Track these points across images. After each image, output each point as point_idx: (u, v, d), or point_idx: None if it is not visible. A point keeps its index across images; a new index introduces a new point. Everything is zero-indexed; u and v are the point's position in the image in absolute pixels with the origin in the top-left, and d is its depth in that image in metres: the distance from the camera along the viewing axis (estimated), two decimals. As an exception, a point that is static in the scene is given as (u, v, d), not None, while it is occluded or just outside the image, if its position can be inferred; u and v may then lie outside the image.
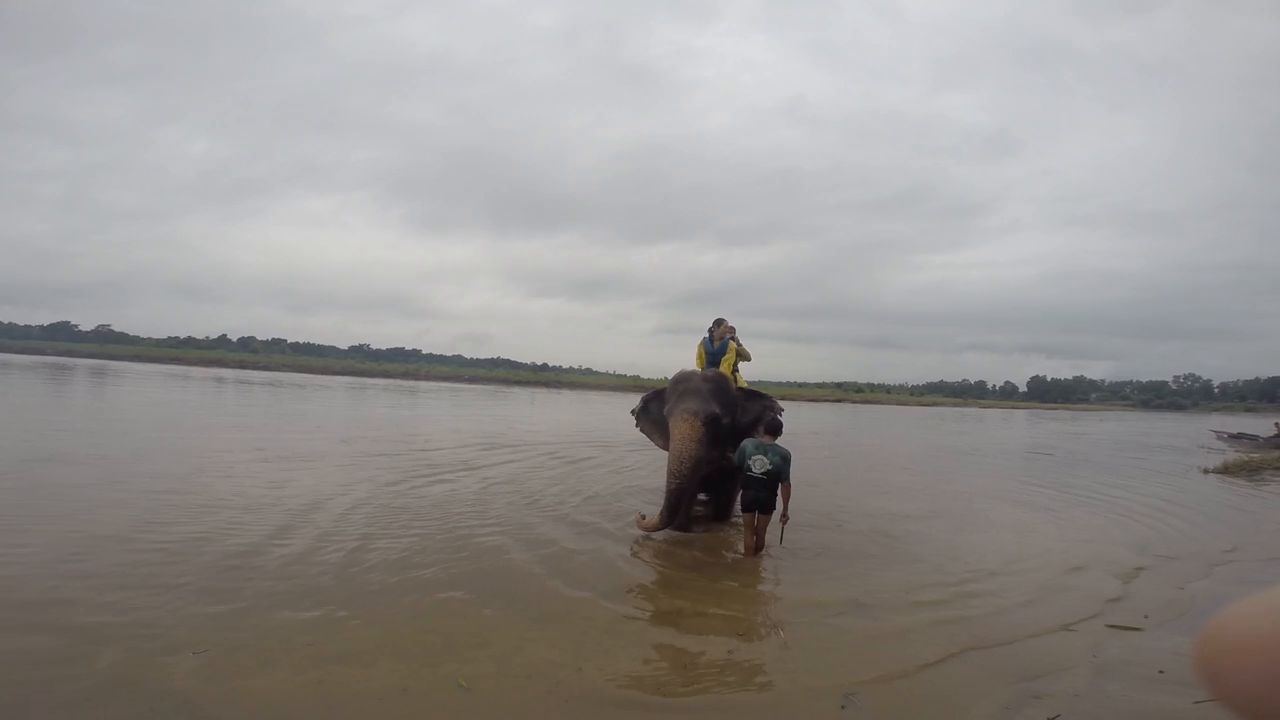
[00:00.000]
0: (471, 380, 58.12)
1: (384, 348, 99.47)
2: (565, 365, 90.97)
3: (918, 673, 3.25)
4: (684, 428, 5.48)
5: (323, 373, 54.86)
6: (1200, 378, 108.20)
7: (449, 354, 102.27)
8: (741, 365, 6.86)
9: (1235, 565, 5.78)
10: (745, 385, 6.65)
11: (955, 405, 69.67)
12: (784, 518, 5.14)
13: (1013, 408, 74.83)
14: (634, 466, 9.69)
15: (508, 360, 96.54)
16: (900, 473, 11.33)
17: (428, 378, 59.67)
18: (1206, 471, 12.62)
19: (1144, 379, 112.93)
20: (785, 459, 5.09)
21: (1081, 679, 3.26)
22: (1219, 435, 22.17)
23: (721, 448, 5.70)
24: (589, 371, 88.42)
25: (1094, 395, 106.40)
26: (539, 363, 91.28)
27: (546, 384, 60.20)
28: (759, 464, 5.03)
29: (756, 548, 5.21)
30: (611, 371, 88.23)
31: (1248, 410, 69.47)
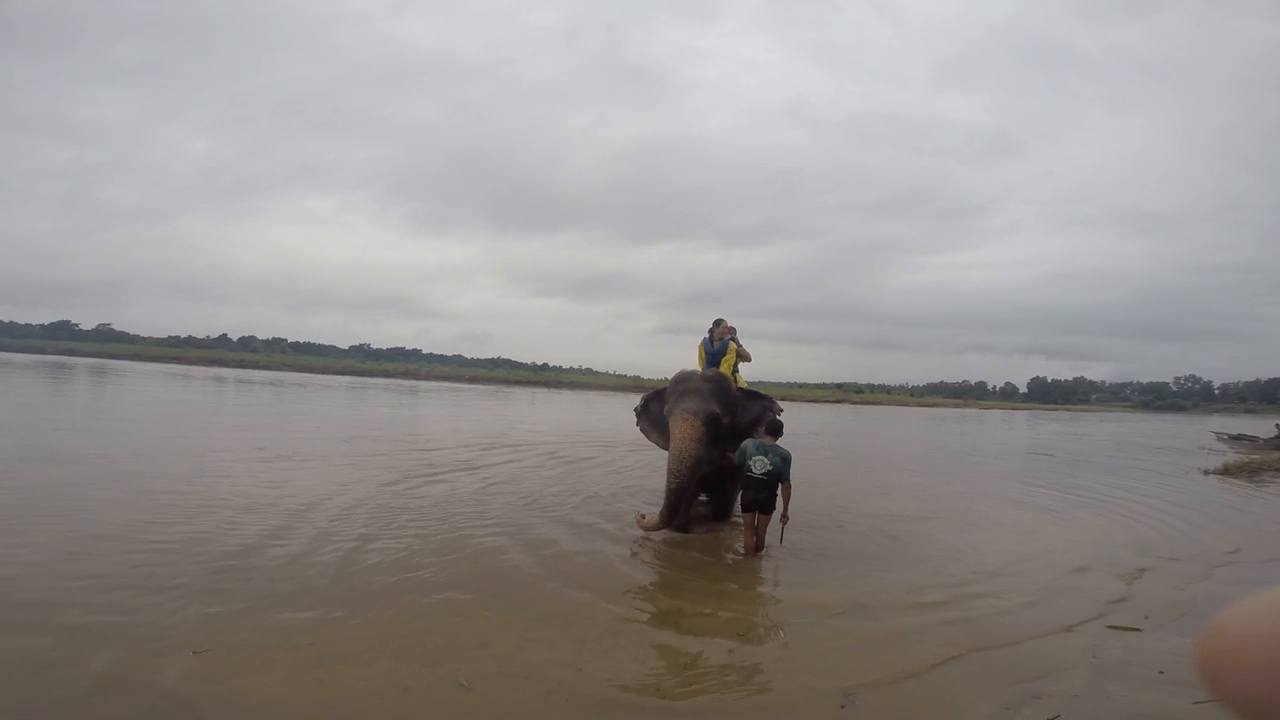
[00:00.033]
0: (471, 380, 58.13)
1: (384, 347, 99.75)
2: (565, 365, 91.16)
3: (917, 673, 3.25)
4: (684, 427, 5.48)
5: (323, 372, 54.87)
6: (1201, 379, 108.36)
7: (449, 354, 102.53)
8: (741, 366, 6.86)
9: (1238, 567, 5.78)
10: (745, 386, 6.65)
11: (955, 406, 69.67)
12: (784, 518, 5.14)
13: (1013, 409, 74.82)
14: (634, 466, 9.69)
15: (508, 360, 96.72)
16: (901, 473, 11.32)
17: (428, 377, 59.69)
18: (1207, 473, 12.61)
19: (1144, 380, 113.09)
20: (786, 460, 5.08)
21: (1081, 679, 3.26)
22: (1219, 436, 22.16)
23: (721, 448, 5.70)
24: (589, 371, 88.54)
25: (1094, 396, 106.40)
26: (539, 363, 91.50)
27: (546, 384, 60.21)
28: (759, 465, 5.03)
29: (756, 548, 5.20)
30: (611, 371, 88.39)
31: (1248, 412, 69.47)
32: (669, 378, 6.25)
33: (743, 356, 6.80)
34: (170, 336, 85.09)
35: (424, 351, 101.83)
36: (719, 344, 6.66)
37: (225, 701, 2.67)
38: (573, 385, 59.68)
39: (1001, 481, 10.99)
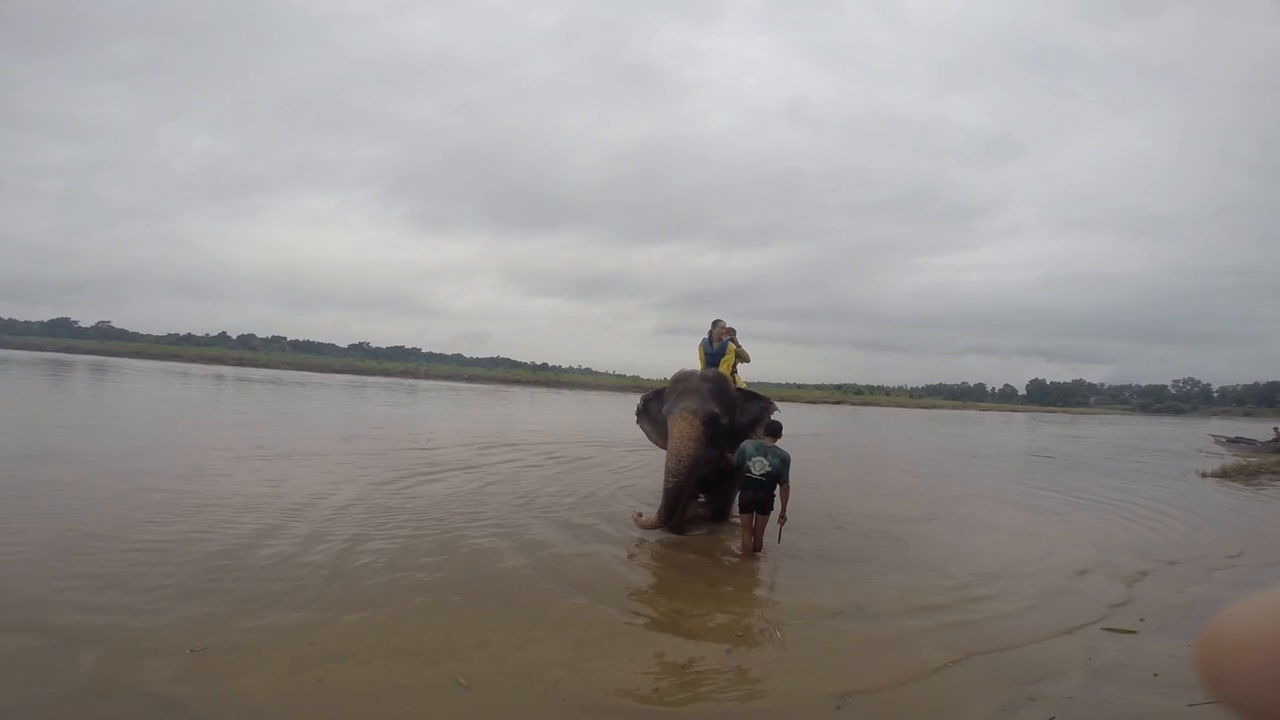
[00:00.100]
0: (471, 379, 58.14)
1: (384, 346, 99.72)
2: (565, 365, 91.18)
3: (914, 676, 3.25)
4: (683, 426, 5.49)
5: (322, 371, 54.85)
6: (1199, 382, 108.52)
7: (448, 353, 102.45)
8: (740, 366, 6.87)
9: (1238, 570, 5.79)
10: (744, 386, 6.66)
11: (954, 408, 69.72)
12: (782, 519, 5.14)
13: (1012, 410, 74.93)
14: (632, 466, 9.70)
15: (507, 359, 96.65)
16: (900, 475, 11.34)
17: (427, 376, 59.70)
18: (1205, 476, 12.63)
19: (1143, 383, 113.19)
20: (785, 461, 5.09)
21: (1077, 682, 3.27)
22: (1217, 439, 22.18)
23: (720, 448, 5.71)
24: (588, 371, 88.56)
25: (1093, 399, 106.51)
26: (538, 362, 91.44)
27: (546, 384, 60.21)
28: (758, 465, 5.04)
29: (754, 548, 5.21)
30: (611, 371, 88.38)
31: (1246, 415, 69.57)
32: (668, 378, 6.27)
33: (741, 357, 6.81)
34: (169, 334, 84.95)
35: (423, 350, 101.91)
36: (718, 344, 6.67)
37: (225, 700, 2.67)
38: (572, 385, 59.67)
39: (1001, 483, 11.01)
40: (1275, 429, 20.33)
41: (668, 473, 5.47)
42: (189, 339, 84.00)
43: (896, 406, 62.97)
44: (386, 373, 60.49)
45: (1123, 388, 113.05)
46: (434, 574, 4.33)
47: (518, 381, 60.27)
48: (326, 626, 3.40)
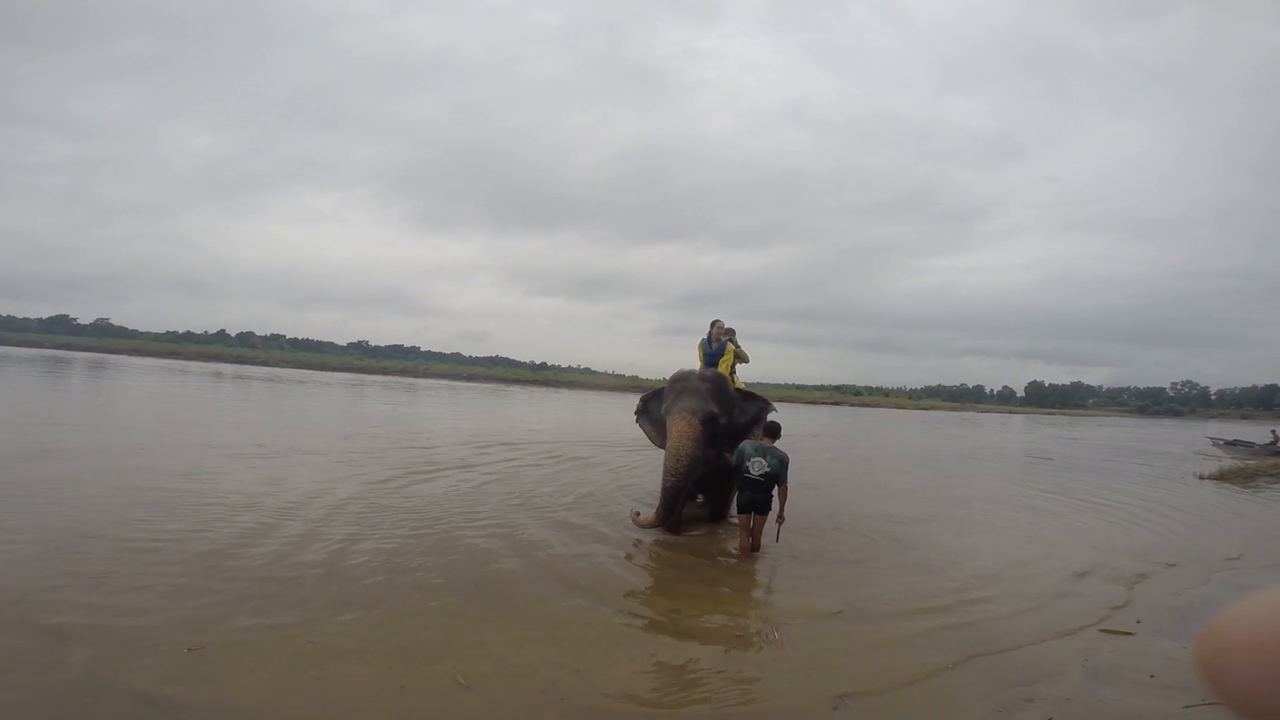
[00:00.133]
0: (470, 379, 58.11)
1: (383, 345, 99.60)
2: (564, 365, 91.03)
3: (912, 677, 3.26)
4: (681, 426, 5.49)
5: (321, 369, 54.78)
6: (1198, 385, 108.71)
7: (447, 352, 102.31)
8: (739, 367, 6.88)
9: (1239, 572, 5.80)
10: (742, 386, 6.67)
11: (953, 409, 69.77)
12: (780, 519, 5.15)
13: (1010, 412, 74.97)
14: (631, 466, 9.70)
15: (506, 359, 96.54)
16: (899, 476, 11.35)
17: (426, 375, 59.66)
18: (1202, 478, 12.65)
19: (1141, 385, 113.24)
20: (783, 462, 5.10)
21: (1074, 683, 3.28)
22: (1215, 442, 22.21)
23: (719, 448, 5.72)
24: (588, 371, 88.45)
25: (1091, 401, 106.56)
26: (538, 362, 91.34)
27: (545, 383, 60.19)
28: (757, 466, 5.04)
29: (752, 549, 5.22)
30: (610, 371, 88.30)
31: (1244, 417, 69.64)
32: (667, 378, 6.27)
33: (740, 357, 6.82)
34: (168, 332, 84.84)
35: (422, 349, 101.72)
36: (716, 345, 6.68)
37: (221, 700, 2.67)
38: (571, 385, 59.66)
39: (1000, 485, 11.03)
40: (1273, 432, 20.40)
41: (666, 472, 5.47)
42: (188, 336, 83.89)
43: (895, 408, 63.01)
44: (385, 371, 60.46)
45: (1121, 390, 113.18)
46: (432, 574, 4.33)
47: (517, 381, 60.25)
48: (324, 625, 3.40)
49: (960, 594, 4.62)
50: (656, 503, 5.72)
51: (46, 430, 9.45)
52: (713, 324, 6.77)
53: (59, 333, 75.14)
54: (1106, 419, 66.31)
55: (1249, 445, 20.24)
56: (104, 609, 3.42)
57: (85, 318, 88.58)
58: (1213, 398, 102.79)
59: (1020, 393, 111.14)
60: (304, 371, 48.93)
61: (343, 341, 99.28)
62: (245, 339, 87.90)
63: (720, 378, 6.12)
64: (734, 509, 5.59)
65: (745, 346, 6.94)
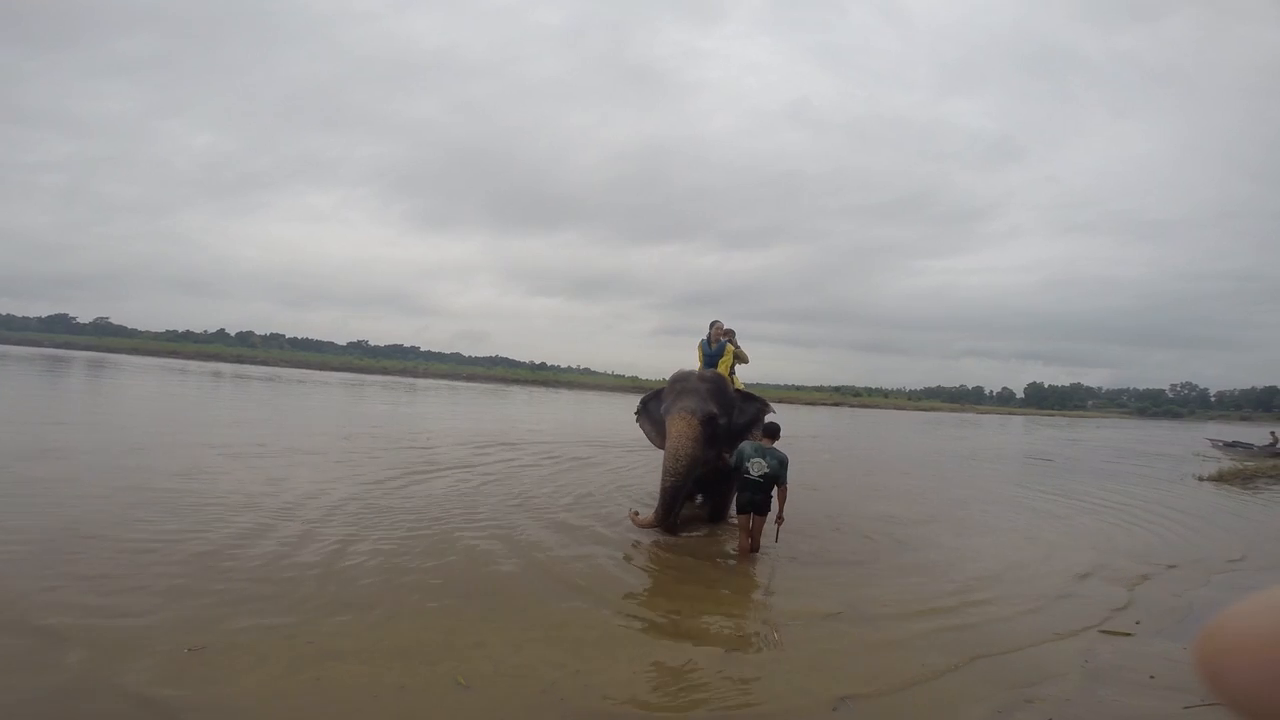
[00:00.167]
0: (470, 379, 58.08)
1: (382, 344, 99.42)
2: (563, 365, 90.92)
3: (911, 679, 3.26)
4: (680, 425, 5.49)
5: (320, 368, 54.76)
6: (1197, 386, 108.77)
7: (447, 352, 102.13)
8: (739, 367, 6.88)
9: (1240, 573, 5.81)
10: (742, 387, 6.68)
11: (952, 410, 69.76)
12: (779, 519, 5.16)
13: (1009, 414, 74.98)
14: (630, 467, 9.70)
15: (506, 359, 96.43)
16: (899, 477, 11.36)
17: (425, 375, 59.65)
18: (1201, 479, 12.67)
19: (1141, 387, 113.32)
20: (783, 463, 5.10)
21: (1074, 684, 3.28)
22: (1214, 443, 22.24)
23: (718, 448, 5.72)
24: (587, 371, 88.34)
25: (1091, 402, 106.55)
26: (537, 362, 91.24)
27: (545, 383, 60.18)
28: (757, 467, 5.04)
29: (751, 549, 5.22)
30: (610, 372, 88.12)
31: (1243, 419, 69.69)
32: (667, 378, 6.27)
33: (740, 358, 6.83)
34: (168, 331, 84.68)
35: (422, 349, 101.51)
36: (716, 345, 6.69)
37: (224, 698, 2.67)
38: (571, 385, 59.65)
39: (1000, 485, 11.04)
40: (1272, 433, 20.43)
41: (665, 472, 5.47)
42: (187, 336, 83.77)
43: (895, 409, 63.02)
44: (385, 371, 60.45)
45: (1120, 391, 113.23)
46: (433, 574, 4.33)
47: (516, 381, 60.24)
48: (324, 626, 3.40)
49: (961, 596, 4.62)
50: (656, 503, 5.72)
51: (46, 430, 9.44)
52: (712, 324, 6.78)
53: (58, 331, 75.05)
54: (1106, 420, 66.34)
55: (1248, 447, 20.27)
56: (101, 609, 3.40)
57: (85, 317, 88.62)
58: (1212, 399, 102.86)
59: (1020, 394, 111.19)
60: (303, 371, 48.91)
61: (342, 341, 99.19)
62: (245, 338, 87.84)
63: (720, 378, 6.13)
64: (733, 510, 5.59)
65: (745, 347, 6.95)
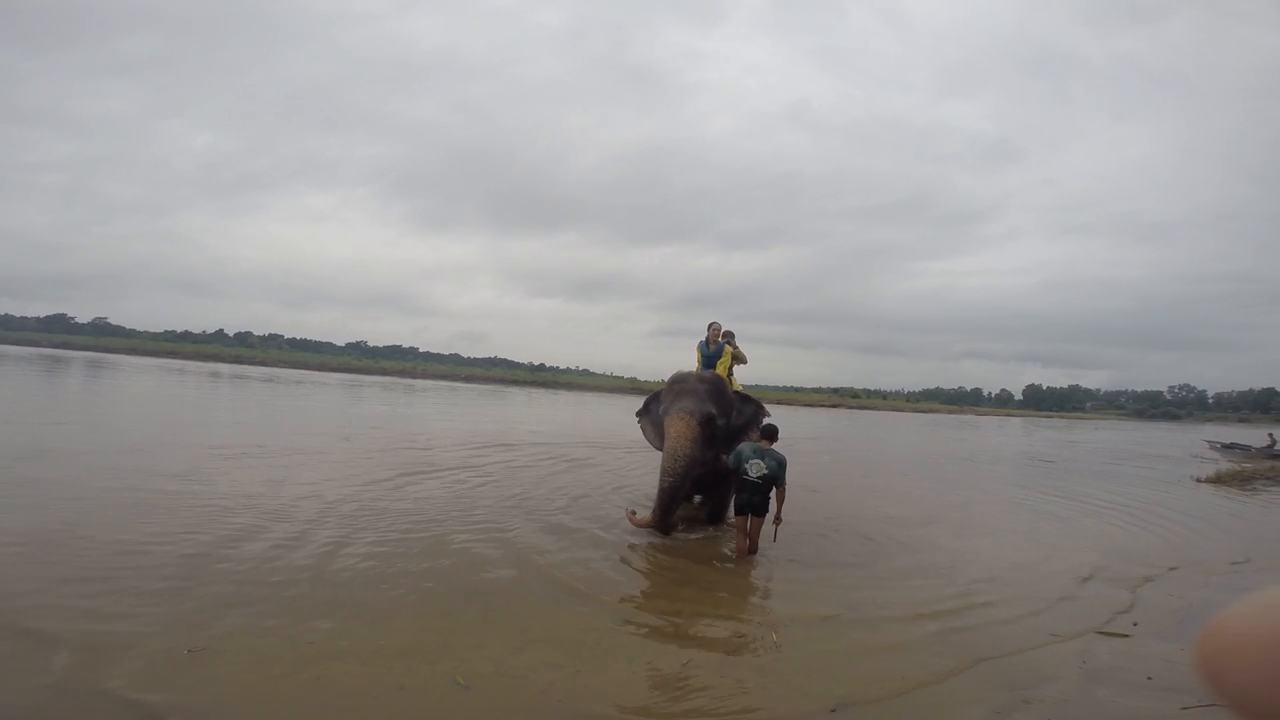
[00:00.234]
0: (468, 379, 58.03)
1: (381, 345, 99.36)
2: (562, 366, 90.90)
3: (911, 682, 3.26)
4: (679, 426, 5.50)
5: (319, 369, 54.71)
6: (1195, 388, 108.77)
7: (446, 352, 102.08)
8: (737, 369, 6.89)
9: (1243, 574, 5.82)
10: (740, 389, 6.69)
11: (951, 412, 69.79)
12: (777, 519, 5.16)
13: (1008, 415, 75.02)
14: (629, 468, 9.70)
15: (505, 360, 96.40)
16: (898, 478, 11.37)
17: (424, 376, 59.60)
18: (1199, 481, 12.69)
19: (1139, 389, 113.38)
20: (781, 464, 5.11)
21: (1072, 685, 3.29)
22: (1212, 445, 22.28)
23: (716, 449, 5.73)
24: (586, 372, 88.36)
25: (1089, 404, 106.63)
26: (536, 363, 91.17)
27: (544, 384, 60.15)
28: (755, 468, 5.05)
29: (750, 551, 5.22)
30: (609, 373, 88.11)
31: (1241, 421, 69.79)
32: (666, 379, 6.28)
33: (738, 359, 6.84)
34: (166, 331, 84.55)
35: (420, 350, 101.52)
36: (714, 346, 6.70)
37: (224, 698, 2.67)
38: (570, 386, 59.64)
39: (1000, 487, 11.05)
40: (1270, 435, 20.47)
41: (663, 472, 5.47)
42: (185, 336, 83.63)
43: (893, 410, 63.02)
44: (384, 372, 60.38)
45: (1118, 393, 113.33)
46: (433, 575, 4.33)
47: (515, 382, 60.20)
48: (323, 626, 3.40)
49: (961, 598, 4.62)
50: (653, 504, 5.72)
51: (45, 430, 9.43)
52: (710, 326, 6.80)
53: (57, 331, 74.95)
54: (1104, 422, 66.40)
55: (1246, 449, 20.33)
56: (92, 612, 3.38)
57: (83, 316, 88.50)
58: (1210, 401, 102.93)
59: (1018, 396, 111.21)
60: (302, 372, 48.87)
61: (341, 342, 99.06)
62: (243, 339, 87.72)
63: (718, 379, 6.14)
64: (731, 511, 5.59)
65: (744, 348, 6.96)
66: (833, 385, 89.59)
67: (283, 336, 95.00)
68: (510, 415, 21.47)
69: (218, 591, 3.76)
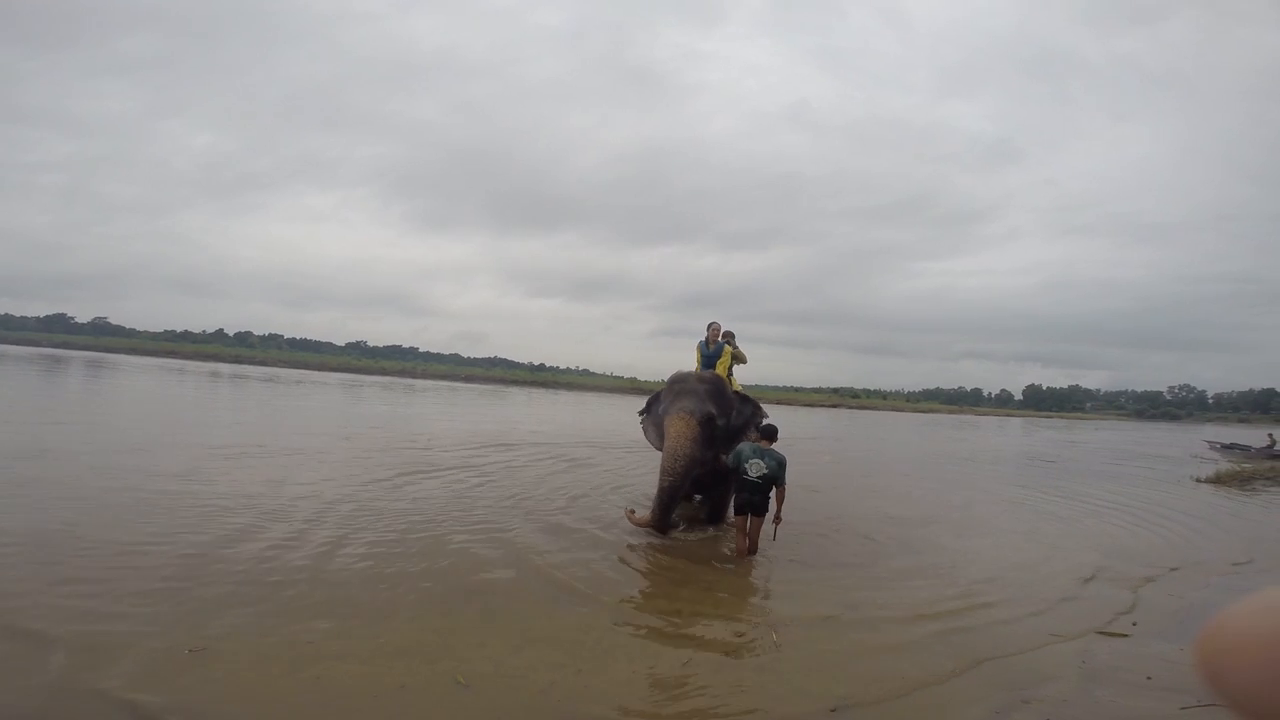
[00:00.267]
0: (468, 379, 58.01)
1: (381, 345, 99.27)
2: (562, 366, 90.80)
3: (911, 682, 3.26)
4: (679, 426, 5.50)
5: (319, 369, 54.70)
6: (1195, 388, 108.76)
7: (446, 352, 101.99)
8: (737, 369, 6.89)
9: (1245, 575, 5.82)
10: (739, 389, 6.69)
11: (951, 412, 69.78)
12: (777, 519, 5.16)
13: (1008, 416, 75.04)
14: (629, 468, 9.70)
15: (505, 360, 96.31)
16: (899, 478, 11.36)
17: (424, 376, 59.59)
18: (1199, 481, 12.69)
19: (1139, 389, 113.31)
20: (781, 464, 5.11)
21: (1071, 685, 3.29)
22: (1212, 446, 22.29)
23: (716, 449, 5.73)
24: (586, 373, 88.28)
25: (1089, 404, 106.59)
26: (536, 363, 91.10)
27: (543, 384, 60.12)
28: (755, 468, 5.05)
29: (749, 550, 5.22)
30: (609, 373, 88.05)
31: (1241, 421, 69.80)
32: (666, 379, 6.28)
33: (738, 359, 6.84)
34: (166, 331, 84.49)
35: (420, 350, 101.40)
36: (714, 347, 6.70)
37: (224, 698, 2.67)
38: (570, 386, 59.62)
39: (1000, 487, 11.05)
40: (1270, 435, 20.47)
41: (663, 472, 5.47)
42: (185, 336, 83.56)
43: (893, 410, 63.01)
44: (384, 371, 60.37)
45: (1118, 394, 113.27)
46: (432, 575, 4.33)
47: (515, 382, 60.18)
48: (323, 626, 3.40)
49: (961, 599, 4.61)
50: (652, 503, 5.72)
51: (44, 430, 9.43)
52: (709, 326, 6.80)
53: (57, 331, 74.94)
54: (1104, 422, 66.38)
55: (1245, 449, 20.33)
56: (89, 612, 3.37)
57: (83, 316, 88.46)
58: (1210, 402, 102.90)
59: (1018, 396, 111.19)
60: (302, 371, 48.87)
61: (341, 342, 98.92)
62: (243, 339, 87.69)
63: (718, 379, 6.14)
64: (731, 511, 5.59)
65: (744, 348, 6.96)
66: (833, 385, 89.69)
67: (283, 336, 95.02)
68: (510, 415, 21.46)
69: (216, 591, 3.76)
